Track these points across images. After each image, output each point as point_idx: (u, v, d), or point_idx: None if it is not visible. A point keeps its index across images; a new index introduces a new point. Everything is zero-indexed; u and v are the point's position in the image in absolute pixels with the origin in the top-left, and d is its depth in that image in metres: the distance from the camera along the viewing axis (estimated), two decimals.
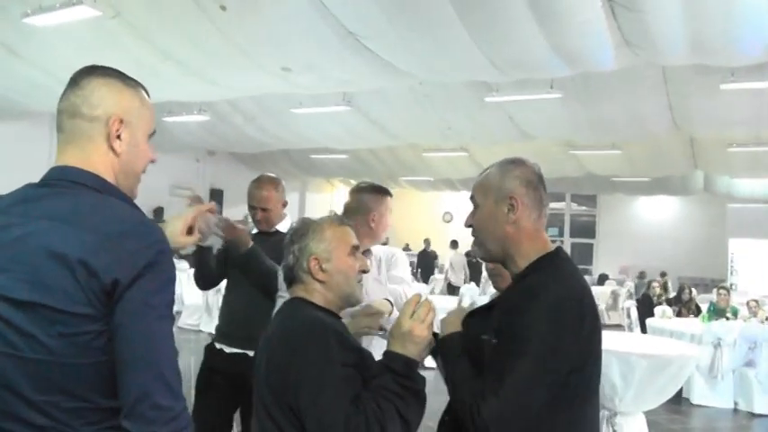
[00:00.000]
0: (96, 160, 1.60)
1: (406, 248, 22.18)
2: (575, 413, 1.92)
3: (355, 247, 2.27)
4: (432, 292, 15.62)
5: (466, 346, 1.99)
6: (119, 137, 1.62)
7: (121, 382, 1.44)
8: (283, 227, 3.83)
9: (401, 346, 1.97)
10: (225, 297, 3.89)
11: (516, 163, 2.11)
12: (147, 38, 7.63)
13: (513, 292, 1.99)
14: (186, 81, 8.95)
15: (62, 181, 1.56)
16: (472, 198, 2.16)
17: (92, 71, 1.64)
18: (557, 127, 11.94)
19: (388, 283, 3.60)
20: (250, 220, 3.94)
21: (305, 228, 2.24)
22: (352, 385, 1.93)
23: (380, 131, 13.19)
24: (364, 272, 2.29)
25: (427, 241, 19.84)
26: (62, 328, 1.42)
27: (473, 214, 2.15)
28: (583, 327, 1.88)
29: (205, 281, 3.93)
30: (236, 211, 13.54)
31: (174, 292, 1.56)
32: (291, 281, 2.24)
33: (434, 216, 24.94)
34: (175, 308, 10.49)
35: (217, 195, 19.16)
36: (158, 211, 17.45)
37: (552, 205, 24.28)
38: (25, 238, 1.47)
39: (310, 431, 1.90)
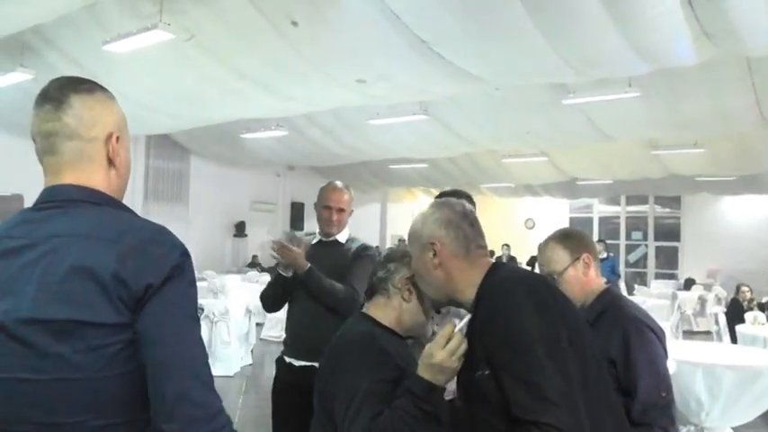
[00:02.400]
0: (96, 179, 1.59)
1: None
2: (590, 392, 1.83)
3: None
4: None
5: (466, 393, 1.99)
6: (118, 153, 1.62)
7: (156, 386, 1.43)
8: (342, 237, 3.85)
9: (430, 374, 1.98)
10: (289, 311, 3.90)
11: (438, 206, 2.15)
12: (222, 57, 7.80)
13: (479, 317, 1.93)
14: (262, 98, 9.11)
15: (59, 201, 1.54)
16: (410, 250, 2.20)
17: (74, 87, 1.60)
18: (637, 126, 11.66)
19: None
20: (317, 232, 3.96)
21: (406, 254, 2.32)
22: (380, 400, 2.01)
23: (458, 139, 13.14)
24: (438, 312, 2.43)
25: (506, 247, 18.85)
26: (91, 341, 1.41)
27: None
28: (548, 299, 1.88)
29: (273, 304, 3.96)
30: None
31: (196, 293, 1.55)
32: (375, 291, 2.36)
33: (516, 223, 24.67)
34: (257, 319, 10.69)
35: (298, 209, 19.42)
36: (240, 226, 17.80)
37: (635, 208, 23.81)
38: (40, 258, 1.46)
39: None
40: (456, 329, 1.99)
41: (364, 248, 3.81)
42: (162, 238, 1.51)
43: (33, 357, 1.41)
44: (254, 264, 17.66)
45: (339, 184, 3.90)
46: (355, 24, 6.69)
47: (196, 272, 1.58)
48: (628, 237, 23.90)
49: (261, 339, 11.70)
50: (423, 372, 1.99)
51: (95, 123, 1.58)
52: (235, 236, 17.86)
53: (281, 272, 3.71)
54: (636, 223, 24.13)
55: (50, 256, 1.45)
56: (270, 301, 3.91)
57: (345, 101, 9.53)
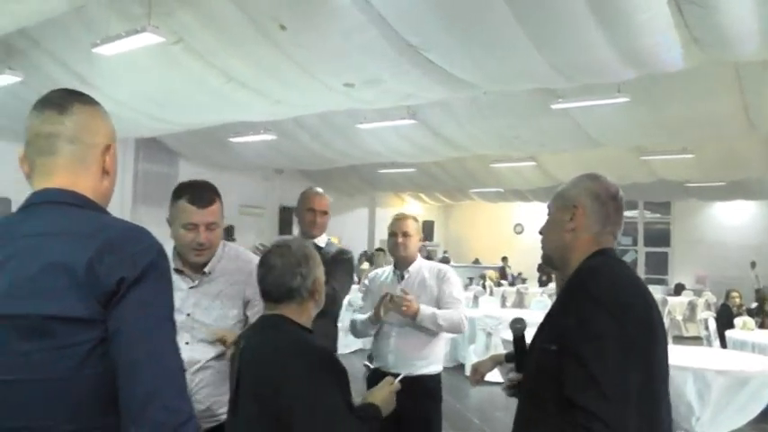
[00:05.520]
0: (86, 184, 1.59)
1: (476, 262, 22.06)
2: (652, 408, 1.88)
3: None
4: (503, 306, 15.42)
5: (536, 358, 2.04)
6: (112, 164, 1.66)
7: (126, 385, 1.38)
8: (321, 242, 4.01)
9: (385, 408, 2.46)
10: None
11: (591, 177, 2.20)
12: (211, 61, 7.76)
13: (564, 293, 2.01)
14: (250, 101, 9.07)
15: (42, 204, 1.55)
16: (548, 206, 2.26)
17: (77, 98, 1.64)
18: (625, 132, 11.66)
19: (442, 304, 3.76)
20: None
21: (309, 253, 2.48)
22: (349, 411, 2.24)
23: (446, 144, 13.12)
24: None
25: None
26: (60, 339, 1.38)
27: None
28: (632, 311, 1.88)
29: None
30: None
31: (173, 295, 1.53)
32: (289, 297, 2.40)
33: (506, 228, 24.66)
34: None
35: (286, 213, 19.34)
36: (229, 230, 17.68)
37: (625, 213, 23.83)
38: (12, 257, 1.44)
39: None
40: (396, 381, 2.54)
41: (342, 252, 3.98)
42: (139, 236, 1.50)
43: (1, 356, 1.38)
44: None
45: (320, 189, 4.13)
46: (342, 28, 6.66)
47: None
48: (617, 242, 23.94)
49: None
50: (384, 406, 2.42)
51: (97, 132, 1.63)
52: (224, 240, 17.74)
53: None
54: (626, 228, 23.66)
55: (24, 253, 1.43)
56: None
57: (333, 105, 9.49)
